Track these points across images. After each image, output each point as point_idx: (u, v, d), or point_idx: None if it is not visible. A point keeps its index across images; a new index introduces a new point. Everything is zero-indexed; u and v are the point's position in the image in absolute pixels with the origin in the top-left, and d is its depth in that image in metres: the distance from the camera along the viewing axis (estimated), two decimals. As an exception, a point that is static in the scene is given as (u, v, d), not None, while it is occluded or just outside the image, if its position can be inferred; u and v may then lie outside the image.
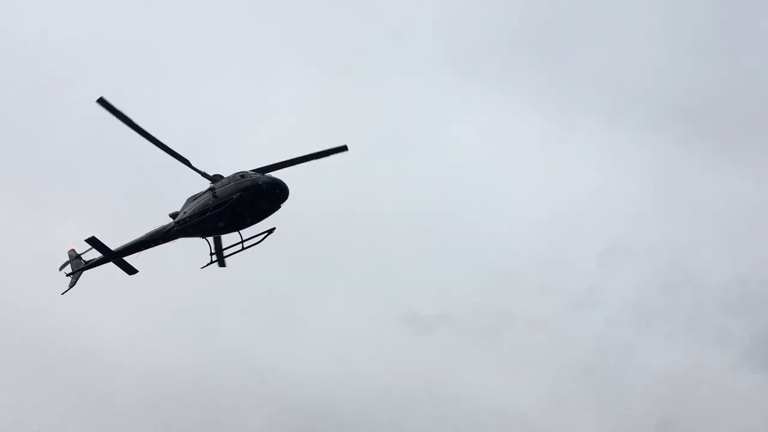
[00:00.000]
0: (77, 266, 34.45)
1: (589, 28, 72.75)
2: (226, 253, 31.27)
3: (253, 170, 29.77)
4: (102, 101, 28.00)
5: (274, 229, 30.56)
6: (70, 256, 34.95)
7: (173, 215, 32.00)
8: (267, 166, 30.02)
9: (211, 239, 31.23)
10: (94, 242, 31.55)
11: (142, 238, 32.48)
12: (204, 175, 30.46)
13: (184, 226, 30.77)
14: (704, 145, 66.21)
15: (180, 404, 52.62)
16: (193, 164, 30.02)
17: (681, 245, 59.50)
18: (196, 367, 53.13)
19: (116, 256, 32.74)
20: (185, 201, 31.85)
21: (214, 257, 31.27)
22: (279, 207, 29.61)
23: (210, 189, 30.46)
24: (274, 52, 71.82)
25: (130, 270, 32.97)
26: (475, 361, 53.92)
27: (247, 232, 30.55)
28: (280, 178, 29.38)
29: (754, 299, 56.07)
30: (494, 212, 62.53)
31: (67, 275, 34.46)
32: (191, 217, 30.50)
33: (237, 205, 29.02)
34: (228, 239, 31.31)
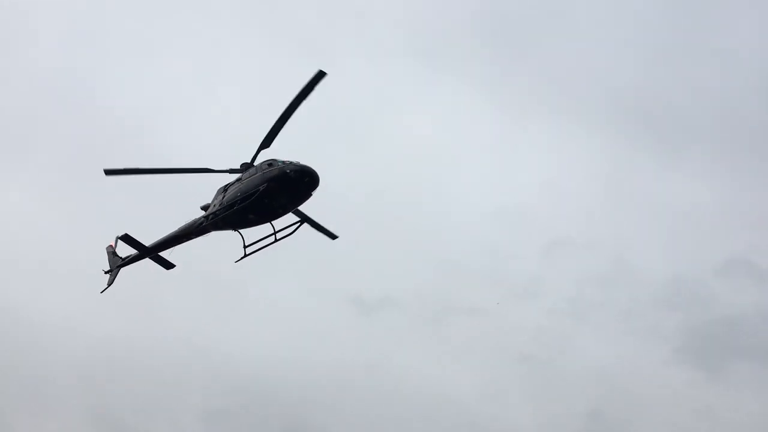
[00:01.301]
0: (114, 263, 33.90)
1: (549, 26, 73.66)
2: (258, 246, 29.73)
3: (264, 139, 28.50)
4: (108, 171, 28.34)
5: (306, 219, 29.88)
6: (108, 252, 34.46)
7: (204, 208, 31.13)
8: (271, 130, 28.44)
9: (244, 232, 29.87)
10: (127, 239, 30.99)
11: (175, 233, 31.72)
12: (231, 171, 29.61)
13: (213, 220, 29.86)
14: (651, 147, 67.95)
15: (117, 379, 52.22)
16: (214, 168, 29.41)
17: (622, 242, 61.11)
18: (136, 342, 52.74)
19: (151, 252, 32.14)
20: (215, 192, 30.89)
21: (248, 250, 29.75)
22: (310, 195, 28.40)
23: (238, 180, 29.53)
24: (229, 25, 70.95)
25: (168, 265, 32.47)
26: (417, 345, 54.73)
27: (279, 223, 29.52)
28: (310, 165, 28.10)
29: (687, 297, 58.09)
30: (443, 201, 63.22)
31: (105, 272, 33.92)
32: (220, 210, 29.53)
33: (266, 196, 27.96)
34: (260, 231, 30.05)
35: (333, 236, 32.40)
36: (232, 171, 29.68)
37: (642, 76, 69.55)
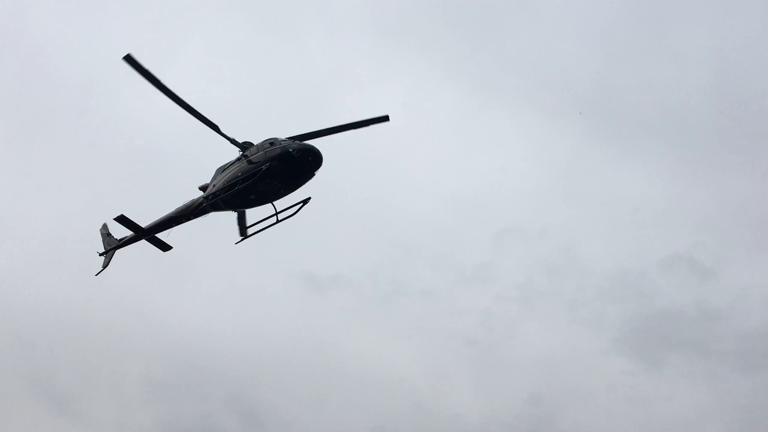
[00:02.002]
0: (109, 244, 32.94)
1: (514, 14, 73.88)
2: (261, 226, 28.86)
3: (286, 138, 27.70)
4: (128, 58, 25.87)
5: (309, 198, 28.75)
6: (102, 233, 33.53)
7: (203, 188, 30.22)
8: (301, 135, 27.95)
9: (244, 212, 29.22)
10: (123, 220, 29.99)
11: (171, 213, 30.81)
12: (233, 142, 28.50)
13: (213, 200, 28.89)
14: (606, 141, 69.18)
15: (58, 345, 51.16)
16: (222, 130, 28.05)
17: (572, 232, 62.29)
18: (79, 308, 51.66)
19: (148, 234, 31.15)
20: (214, 172, 29.93)
21: (248, 231, 29.12)
22: (313, 175, 27.66)
23: (238, 159, 28.59)
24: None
25: (164, 246, 31.63)
26: (365, 325, 55.08)
27: (281, 203, 28.60)
28: (313, 144, 27.34)
29: (631, 289, 59.71)
30: (400, 182, 63.42)
31: (100, 255, 32.93)
32: (220, 190, 28.58)
33: (268, 176, 27.14)
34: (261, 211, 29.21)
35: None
36: (234, 142, 28.67)
37: (602, 71, 70.55)
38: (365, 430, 53.06)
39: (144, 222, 30.97)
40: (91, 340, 51.92)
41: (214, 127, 27.94)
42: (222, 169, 29.56)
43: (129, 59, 25.93)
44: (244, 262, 52.87)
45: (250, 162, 27.79)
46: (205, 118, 27.65)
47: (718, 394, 54.50)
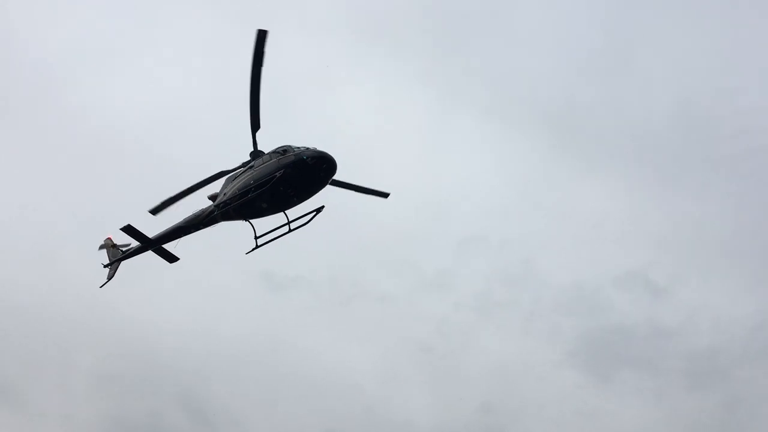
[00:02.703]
0: (114, 256, 32.03)
1: (488, 25, 74.55)
2: (272, 236, 28.00)
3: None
4: (263, 33, 25.53)
5: (323, 207, 27.93)
6: (106, 245, 32.65)
7: (212, 197, 29.29)
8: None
9: (255, 222, 28.23)
10: (130, 230, 28.96)
11: (180, 224, 29.84)
12: (255, 147, 27.82)
13: (225, 209, 27.98)
14: (570, 156, 70.19)
15: (3, 332, 49.95)
16: (228, 169, 27.72)
17: (532, 244, 63.01)
18: (32, 297, 50.53)
19: (155, 244, 30.18)
20: (224, 181, 28.95)
21: (259, 241, 27.99)
22: (327, 182, 27.05)
23: (249, 167, 27.80)
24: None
25: (171, 258, 30.86)
26: (322, 327, 54.85)
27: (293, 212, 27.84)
28: (327, 151, 26.66)
29: (586, 303, 60.67)
30: (366, 183, 63.39)
31: (104, 266, 32.09)
32: (232, 199, 27.70)
33: (281, 184, 26.36)
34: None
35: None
36: (244, 165, 28.11)
37: (569, 88, 71.59)
38: (319, 431, 52.89)
39: (151, 232, 30.18)
40: (40, 329, 50.73)
41: (256, 127, 27.24)
42: (232, 178, 28.77)
43: (262, 34, 25.63)
44: (203, 258, 52.22)
45: (263, 170, 27.16)
46: (258, 116, 26.98)
47: (665, 411, 55.67)
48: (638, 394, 56.49)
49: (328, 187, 27.61)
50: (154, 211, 28.47)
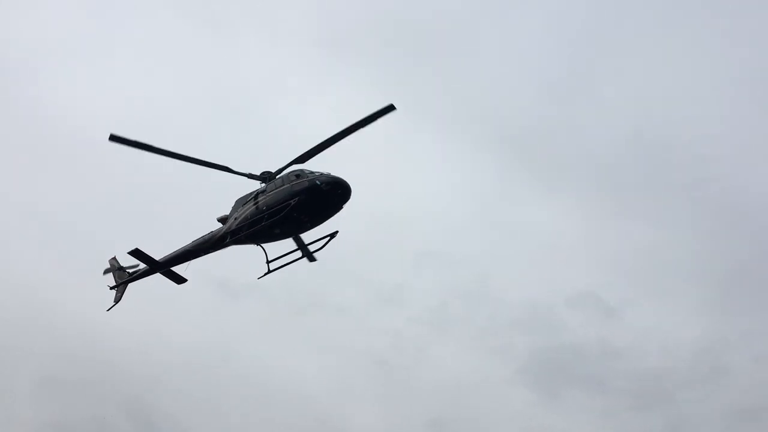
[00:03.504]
0: (121, 278, 31.41)
1: (455, 42, 75.45)
2: (285, 261, 27.90)
3: (299, 156, 26.69)
4: (114, 137, 25.20)
5: (336, 232, 27.83)
6: (111, 266, 32.06)
7: (221, 220, 28.86)
8: (313, 148, 26.80)
9: (266, 246, 28.04)
10: (138, 254, 28.73)
11: (188, 247, 29.40)
12: (251, 176, 27.48)
13: (239, 237, 27.55)
14: (530, 177, 71.28)
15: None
16: (234, 169, 27.12)
17: (488, 262, 63.68)
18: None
19: (162, 267, 29.70)
20: (234, 204, 28.61)
21: (272, 266, 27.80)
22: (341, 208, 26.85)
23: (262, 191, 27.39)
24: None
25: (179, 279, 30.37)
26: (276, 337, 54.39)
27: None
28: (341, 176, 26.48)
29: (538, 322, 61.46)
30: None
31: (111, 288, 31.53)
32: (244, 225, 27.35)
33: (295, 210, 26.15)
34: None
35: (312, 258, 29.89)
36: (251, 176, 27.74)
37: (531, 109, 72.88)
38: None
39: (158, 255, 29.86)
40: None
41: (226, 169, 27.17)
42: (243, 201, 28.35)
43: (115, 138, 25.42)
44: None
45: (275, 196, 26.86)
46: (215, 164, 26.85)
47: (610, 430, 56.59)
48: (585, 412, 57.35)
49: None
50: (114, 138, 26.63)
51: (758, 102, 71.58)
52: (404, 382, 56.70)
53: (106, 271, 32.40)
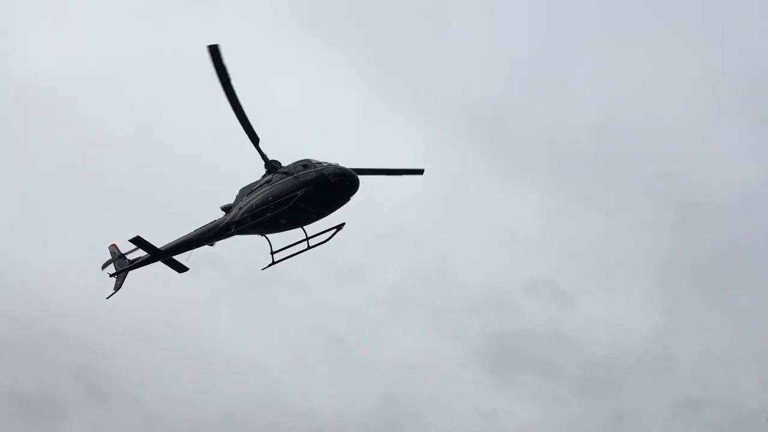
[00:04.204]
0: (121, 266, 30.71)
1: (428, 26, 75.30)
2: (290, 252, 27.19)
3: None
4: (213, 48, 24.41)
5: (343, 224, 27.23)
6: (111, 253, 31.25)
7: (225, 208, 28.25)
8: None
9: (270, 237, 27.43)
10: (139, 242, 27.91)
11: (191, 236, 28.69)
12: (264, 158, 26.93)
13: (244, 227, 26.96)
14: (495, 163, 71.71)
15: None
16: (260, 146, 26.45)
17: (450, 244, 64.13)
18: None
19: (164, 256, 29.00)
20: (238, 192, 28.02)
21: (276, 257, 27.21)
22: (348, 200, 26.41)
23: (267, 181, 26.88)
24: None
25: (181, 268, 29.81)
26: (231, 308, 54.11)
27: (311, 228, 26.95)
28: (348, 167, 26.05)
29: (494, 306, 62.18)
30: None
31: (111, 275, 30.67)
32: (249, 215, 26.78)
33: (301, 201, 25.66)
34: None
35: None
36: (265, 159, 27.20)
37: (499, 96, 73.20)
38: (216, 414, 52.19)
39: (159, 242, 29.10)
40: None
41: (255, 140, 26.55)
42: (248, 191, 27.83)
43: (214, 50, 24.66)
44: (110, 225, 50.64)
45: (282, 186, 26.41)
46: (252, 129, 26.20)
47: (559, 416, 57.70)
48: (536, 397, 58.34)
49: None
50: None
51: (724, 102, 72.85)
52: (359, 359, 56.99)
53: (103, 265, 31.80)
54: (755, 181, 68.55)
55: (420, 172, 29.67)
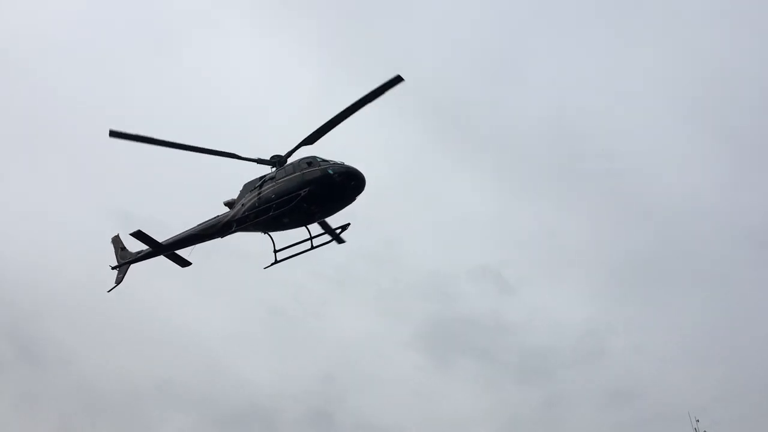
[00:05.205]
0: (123, 258, 30.61)
1: (393, 5, 75.30)
2: (293, 251, 26.89)
3: (309, 136, 25.14)
4: (113, 133, 24.15)
5: (348, 224, 26.77)
6: (114, 245, 31.60)
7: (228, 203, 27.86)
8: (321, 128, 25.67)
9: (273, 235, 27.11)
10: (140, 236, 27.80)
11: (193, 231, 28.25)
12: (260, 161, 26.05)
13: (246, 224, 26.57)
14: (451, 151, 72.58)
15: None
16: (242, 155, 25.92)
17: (398, 227, 64.82)
18: None
19: (166, 250, 28.68)
20: (242, 188, 27.43)
21: (279, 255, 26.92)
22: (354, 200, 25.83)
23: (271, 177, 26.22)
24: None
25: (183, 263, 29.45)
26: (173, 276, 53.61)
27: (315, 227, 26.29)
28: (355, 166, 25.39)
29: (438, 290, 63.19)
30: (243, 144, 62.36)
31: (112, 268, 30.65)
32: (251, 213, 26.33)
33: (305, 201, 25.05)
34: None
35: (340, 240, 28.88)
36: (261, 161, 26.46)
37: (454, 85, 73.83)
38: (153, 380, 51.85)
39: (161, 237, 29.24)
40: None
41: (234, 156, 26.11)
42: (251, 188, 27.32)
43: (115, 134, 24.77)
44: (55, 188, 49.68)
45: (285, 184, 25.91)
46: (221, 152, 25.72)
47: (493, 400, 59.19)
48: (472, 381, 59.76)
49: None
50: (114, 134, 26.61)
51: (676, 105, 74.99)
52: (300, 334, 57.38)
53: (112, 269, 31.78)
54: (698, 185, 70.88)
55: (399, 79, 28.30)
